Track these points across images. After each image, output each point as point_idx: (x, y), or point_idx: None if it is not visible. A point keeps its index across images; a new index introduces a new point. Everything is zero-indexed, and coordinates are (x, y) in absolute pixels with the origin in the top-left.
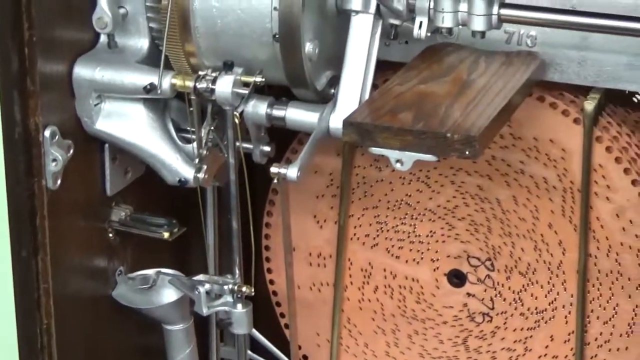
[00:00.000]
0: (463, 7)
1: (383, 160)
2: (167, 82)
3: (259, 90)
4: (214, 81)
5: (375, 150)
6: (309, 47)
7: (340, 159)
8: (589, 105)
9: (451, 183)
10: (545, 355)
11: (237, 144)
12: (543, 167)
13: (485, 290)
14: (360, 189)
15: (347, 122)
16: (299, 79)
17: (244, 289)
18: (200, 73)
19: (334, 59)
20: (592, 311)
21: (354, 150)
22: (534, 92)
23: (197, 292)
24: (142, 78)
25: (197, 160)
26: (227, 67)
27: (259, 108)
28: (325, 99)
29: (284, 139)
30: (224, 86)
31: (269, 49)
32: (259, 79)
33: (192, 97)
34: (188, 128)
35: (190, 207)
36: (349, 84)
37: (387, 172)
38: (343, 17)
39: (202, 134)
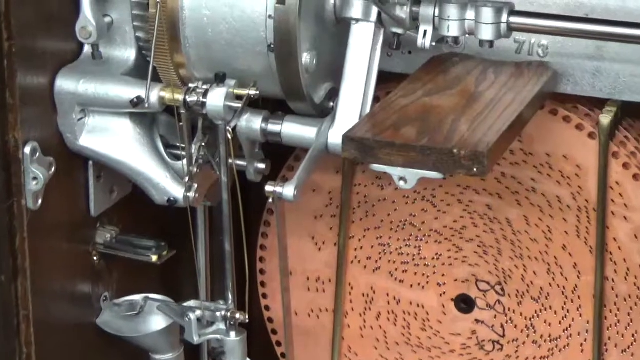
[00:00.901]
0: (470, 15)
1: (386, 178)
2: (155, 95)
3: (253, 104)
4: (205, 94)
5: (377, 167)
6: (306, 57)
7: (340, 177)
8: (605, 118)
9: (458, 202)
10: None
11: (230, 161)
12: (556, 184)
13: (495, 317)
14: (362, 208)
15: (347, 138)
16: (295, 92)
17: (237, 315)
18: (191, 85)
19: (333, 70)
20: (609, 339)
21: (355, 167)
22: (546, 105)
23: (187, 319)
24: (128, 91)
25: (187, 179)
26: (219, 79)
27: (253, 123)
28: (323, 112)
29: (280, 155)
30: (216, 99)
31: (264, 59)
32: (253, 91)
33: (182, 111)
34: (178, 144)
35: (180, 229)
36: (348, 96)
37: (390, 190)
38: (342, 26)
39: (193, 151)
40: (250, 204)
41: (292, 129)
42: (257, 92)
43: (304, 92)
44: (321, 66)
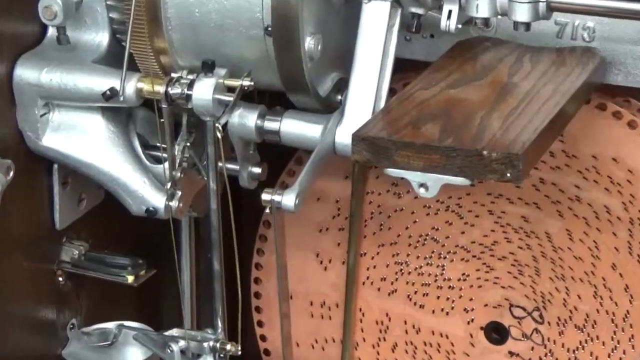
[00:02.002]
0: None
1: (403, 185)
2: (131, 86)
3: (247, 97)
4: (190, 85)
5: (393, 171)
6: (309, 42)
7: (349, 183)
8: None
9: (489, 213)
10: None
11: (220, 164)
12: (604, 192)
13: (532, 349)
14: (375, 220)
15: (358, 137)
16: (297, 83)
17: (228, 347)
18: (174, 75)
19: (341, 57)
20: None
21: (367, 172)
22: (592, 99)
23: (169, 351)
24: (100, 81)
25: (169, 185)
26: (207, 67)
27: (247, 119)
28: (330, 107)
29: (279, 158)
30: (203, 92)
31: (260, 45)
32: (246, 82)
33: (163, 105)
34: (158, 144)
35: (161, 244)
36: (359, 88)
37: (408, 199)
38: (352, 6)
39: (176, 152)
40: (244, 215)
41: (293, 127)
42: (252, 84)
43: (307, 83)
44: (327, 53)
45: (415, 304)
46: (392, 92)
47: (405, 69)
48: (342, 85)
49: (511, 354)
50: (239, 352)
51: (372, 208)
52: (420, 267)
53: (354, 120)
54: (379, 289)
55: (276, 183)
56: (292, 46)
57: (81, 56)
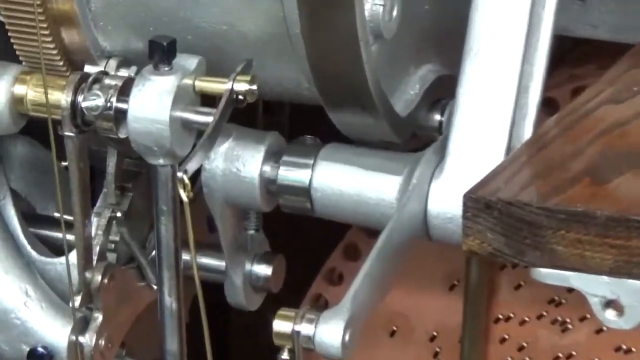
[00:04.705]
0: None
1: (573, 304)
2: (1, 91)
3: (244, 117)
4: (123, 90)
5: (550, 275)
6: (374, 2)
7: (458, 300)
8: None
9: None
10: None
11: (187, 257)
12: None
13: None
14: None
15: (476, 201)
16: (347, 85)
17: None
18: (89, 71)
19: (439, 39)
20: None
21: (494, 275)
22: None
23: None
24: None
25: (77, 301)
26: (159, 53)
27: (242, 162)
28: (416, 140)
29: (308, 243)
30: (151, 104)
31: (268, 6)
32: (242, 85)
33: (67, 132)
34: (55, 214)
35: None
36: (479, 101)
37: (582, 333)
38: None
39: (93, 231)
40: (233, 353)
41: (338, 180)
42: (254, 88)
43: (369, 87)
44: (410, 27)
45: None
46: (548, 105)
47: (573, 60)
48: (440, 94)
49: None
50: None
51: (506, 350)
52: None
53: (467, 167)
54: None
55: (304, 298)
56: (339, 9)
57: None
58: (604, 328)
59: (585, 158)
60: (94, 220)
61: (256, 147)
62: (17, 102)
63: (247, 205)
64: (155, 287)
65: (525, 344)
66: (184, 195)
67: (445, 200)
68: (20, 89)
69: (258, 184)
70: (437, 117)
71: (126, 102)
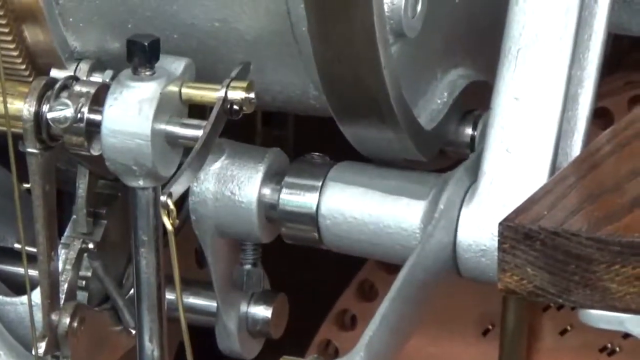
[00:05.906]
0: None
1: (629, 356)
2: None
3: (239, 130)
4: (96, 98)
5: (601, 318)
6: None
7: (492, 345)
8: None
9: None
10: None
11: (172, 296)
12: None
13: None
14: None
15: (513, 229)
16: (362, 92)
17: None
18: (56, 76)
19: (472, 39)
20: None
21: (536, 317)
22: None
23: None
24: None
25: (42, 348)
26: (140, 55)
27: (237, 186)
28: (443, 158)
29: (314, 280)
30: (130, 115)
31: (271, 6)
32: (237, 93)
33: (29, 149)
34: (15, 245)
35: None
36: (518, 112)
37: None
38: None
39: (60, 265)
40: None
41: (351, 205)
42: (252, 96)
43: (388, 95)
44: (437, 27)
45: None
46: (601, 116)
47: (632, 63)
48: (472, 103)
49: None
50: None
51: None
52: None
53: (504, 191)
54: None
55: (310, 345)
56: (354, 2)
57: None
58: None
59: None
60: (62, 252)
61: (254, 166)
62: None
63: (243, 235)
64: (133, 332)
65: None
66: (168, 224)
67: (478, 229)
68: None
69: (256, 210)
70: (469, 130)
71: (100, 112)
